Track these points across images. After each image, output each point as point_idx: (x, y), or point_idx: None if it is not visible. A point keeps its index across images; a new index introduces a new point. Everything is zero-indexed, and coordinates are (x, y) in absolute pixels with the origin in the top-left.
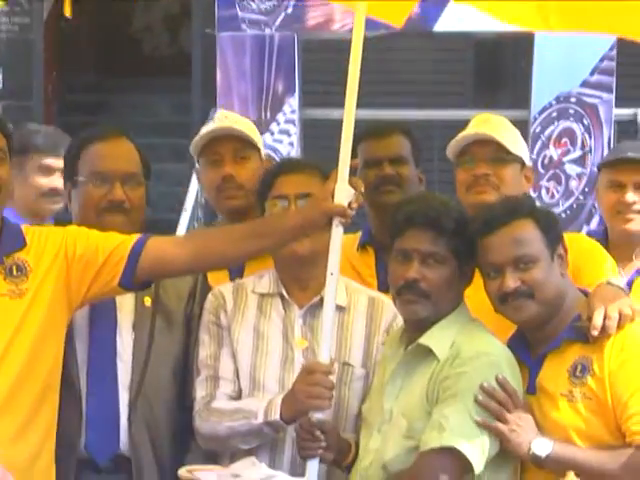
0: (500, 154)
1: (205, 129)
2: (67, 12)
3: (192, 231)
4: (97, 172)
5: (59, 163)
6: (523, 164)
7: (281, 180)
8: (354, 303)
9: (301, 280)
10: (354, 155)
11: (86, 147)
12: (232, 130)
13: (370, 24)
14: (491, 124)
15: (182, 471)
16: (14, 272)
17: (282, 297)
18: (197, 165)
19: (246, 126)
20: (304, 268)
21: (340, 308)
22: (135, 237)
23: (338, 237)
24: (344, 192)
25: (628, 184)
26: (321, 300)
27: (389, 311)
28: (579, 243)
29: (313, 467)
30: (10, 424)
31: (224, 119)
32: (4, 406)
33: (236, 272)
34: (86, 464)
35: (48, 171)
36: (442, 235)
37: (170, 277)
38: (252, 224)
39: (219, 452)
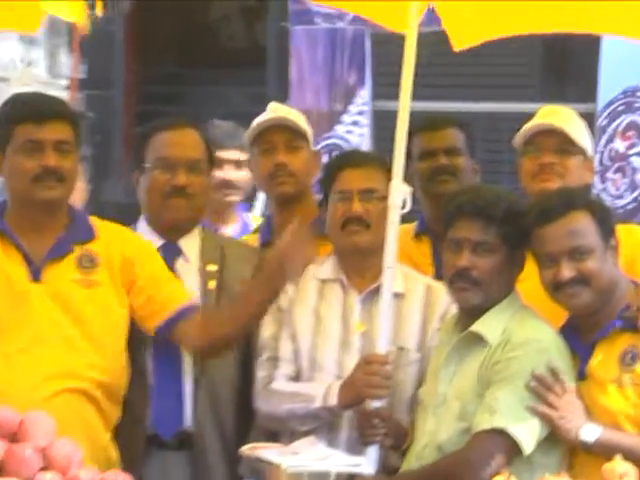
0: (566, 145)
1: (258, 119)
2: (35, 27)
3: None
4: (162, 158)
5: (231, 155)
6: (586, 156)
7: (345, 174)
8: (411, 290)
9: (360, 268)
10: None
11: (153, 135)
12: (284, 120)
13: (436, 19)
14: (558, 115)
15: (244, 449)
16: (84, 262)
17: (342, 283)
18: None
19: (297, 117)
20: (364, 258)
21: (397, 295)
22: (186, 302)
23: (394, 232)
24: (399, 189)
25: None
26: (379, 287)
27: (445, 298)
28: (635, 235)
29: (373, 452)
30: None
31: (277, 110)
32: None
33: None
34: (152, 440)
35: (219, 164)
36: (492, 224)
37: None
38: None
39: (280, 433)
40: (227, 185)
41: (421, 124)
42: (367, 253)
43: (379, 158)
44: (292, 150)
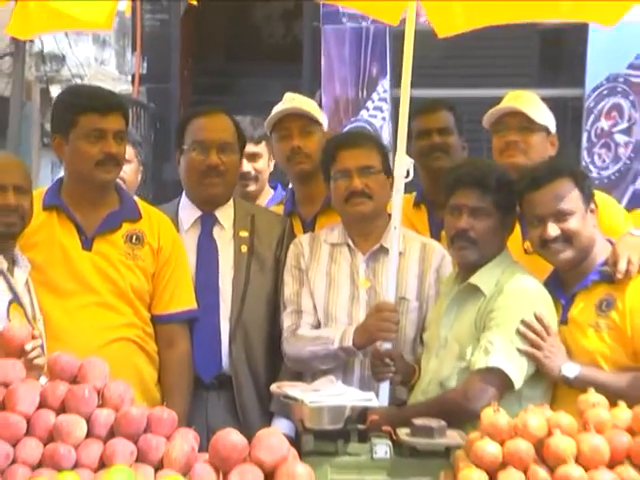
0: (527, 124)
1: (276, 109)
2: (108, 26)
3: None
4: (198, 141)
5: (246, 149)
6: (548, 132)
7: (343, 154)
8: (409, 248)
9: (364, 232)
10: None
11: (191, 121)
12: (298, 109)
13: None
14: (521, 99)
15: (273, 387)
16: (133, 240)
17: (349, 246)
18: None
19: (310, 106)
20: (367, 223)
21: (398, 253)
22: (186, 305)
23: (399, 198)
24: (403, 162)
25: None
26: (380, 247)
27: (438, 253)
28: (606, 203)
29: (384, 388)
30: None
31: (292, 100)
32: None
33: (309, 225)
34: (194, 382)
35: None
36: (486, 192)
37: None
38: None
39: (303, 372)
40: (244, 177)
41: (418, 108)
42: (369, 220)
43: (371, 137)
44: (306, 135)
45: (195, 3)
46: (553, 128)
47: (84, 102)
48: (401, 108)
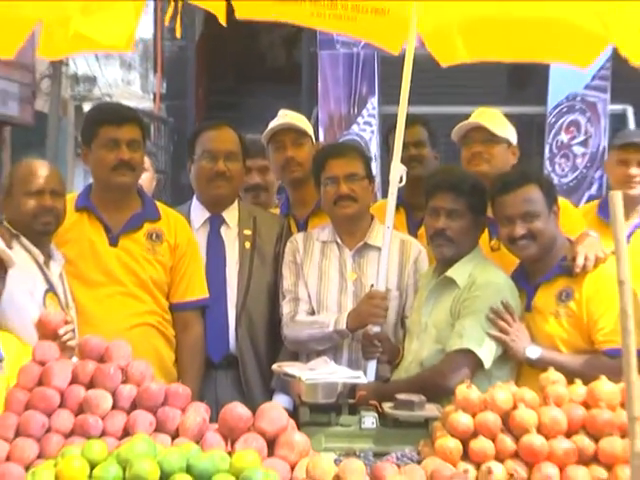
0: (489, 137)
1: (271, 124)
2: (177, 33)
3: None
4: (207, 151)
5: (256, 163)
6: (509, 144)
7: (331, 163)
8: (390, 244)
9: (350, 231)
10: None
11: (201, 134)
12: (290, 124)
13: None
14: (484, 115)
15: (274, 366)
16: (153, 237)
17: (337, 243)
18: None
19: (301, 121)
20: (352, 223)
21: (377, 249)
22: (199, 294)
23: (393, 200)
24: (398, 168)
25: (632, 161)
26: (365, 244)
27: (415, 249)
28: (567, 209)
29: (372, 367)
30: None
31: (285, 116)
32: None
33: (302, 225)
34: (206, 362)
35: (247, 171)
36: (461, 196)
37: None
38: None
39: (300, 353)
40: (255, 188)
41: (396, 124)
42: (355, 220)
43: (356, 148)
44: (298, 146)
45: (224, 23)
46: (514, 140)
47: (103, 116)
48: (398, 126)
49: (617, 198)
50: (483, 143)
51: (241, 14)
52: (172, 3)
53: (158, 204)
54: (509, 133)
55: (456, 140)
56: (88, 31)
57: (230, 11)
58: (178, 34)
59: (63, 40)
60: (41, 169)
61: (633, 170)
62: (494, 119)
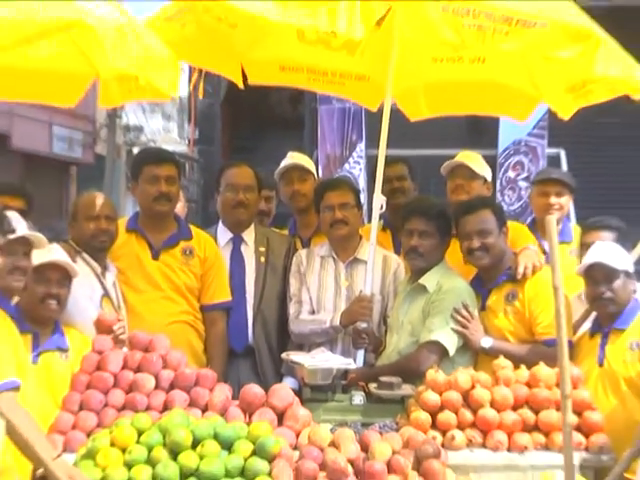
0: (470, 174)
1: (282, 163)
2: (200, 95)
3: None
4: (229, 184)
5: (263, 193)
6: (485, 180)
7: (328, 194)
8: (375, 258)
9: (343, 248)
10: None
11: (225, 171)
12: (297, 164)
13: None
14: (467, 157)
15: (283, 355)
16: (187, 252)
17: (333, 257)
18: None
19: (305, 161)
20: (345, 242)
21: (364, 262)
22: (223, 297)
23: (375, 223)
24: (379, 198)
25: (551, 193)
26: (354, 258)
27: (394, 262)
28: (516, 228)
29: (360, 355)
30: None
31: (292, 157)
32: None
33: (306, 243)
34: (229, 352)
35: None
36: (430, 220)
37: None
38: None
39: (303, 345)
40: (261, 213)
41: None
42: (346, 239)
43: (348, 182)
44: (302, 181)
45: (242, 86)
46: (489, 178)
47: (147, 157)
48: (379, 166)
49: (552, 222)
50: (465, 178)
51: (253, 79)
52: (197, 70)
53: (191, 226)
54: (486, 172)
55: (444, 173)
56: (140, 79)
57: (245, 77)
58: (201, 95)
59: (118, 91)
60: (98, 199)
61: (552, 200)
62: (475, 160)
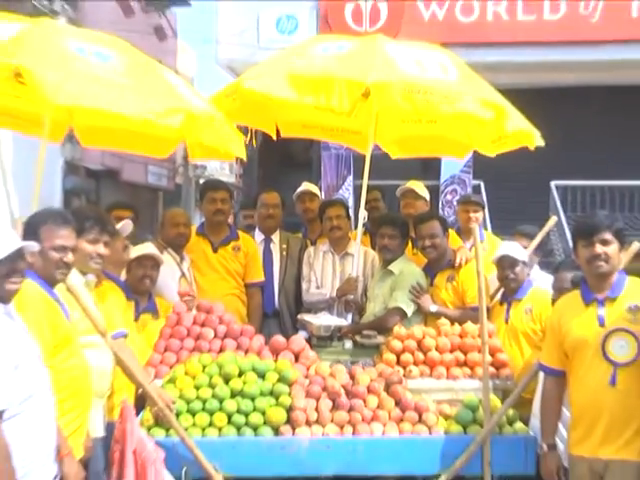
0: (416, 196)
1: (298, 190)
2: (243, 154)
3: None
4: (263, 204)
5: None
6: (426, 200)
7: (328, 209)
8: (359, 252)
9: (337, 245)
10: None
11: (260, 195)
12: (308, 190)
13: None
14: (414, 184)
15: (299, 316)
16: (235, 249)
17: (331, 252)
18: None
19: (313, 188)
20: (339, 241)
21: (353, 255)
22: (259, 278)
23: (360, 230)
24: (362, 213)
25: (470, 210)
26: (346, 252)
27: (371, 255)
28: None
29: (349, 316)
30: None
31: (305, 185)
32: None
33: (313, 243)
34: (263, 314)
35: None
36: (395, 228)
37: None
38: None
39: (311, 310)
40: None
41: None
42: (340, 240)
43: (341, 201)
44: (311, 201)
45: (275, 138)
46: (428, 199)
47: (208, 186)
48: (362, 191)
49: (475, 229)
50: (412, 198)
51: (285, 133)
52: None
53: (238, 231)
54: (426, 195)
55: (398, 196)
56: (218, 144)
57: (277, 132)
58: (244, 157)
59: (199, 150)
60: (178, 213)
61: (471, 215)
62: (419, 186)
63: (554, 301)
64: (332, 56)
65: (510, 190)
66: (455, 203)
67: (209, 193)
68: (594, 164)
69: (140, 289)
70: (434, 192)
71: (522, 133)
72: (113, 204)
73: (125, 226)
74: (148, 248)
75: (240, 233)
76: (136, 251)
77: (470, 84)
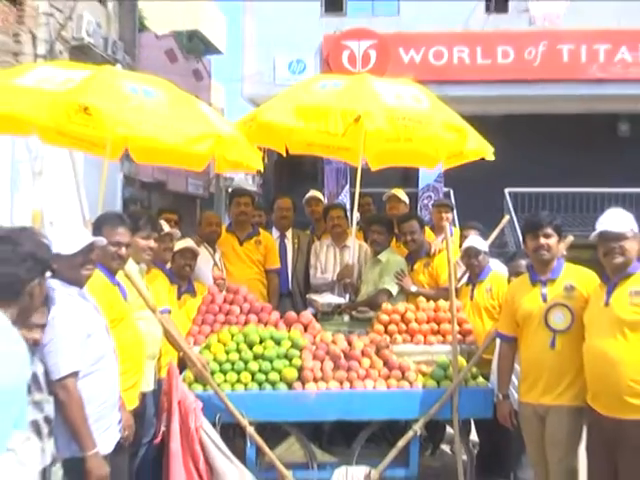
0: (398, 200)
1: (307, 196)
2: (261, 167)
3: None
4: (278, 208)
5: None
6: (406, 204)
7: (330, 211)
8: (354, 245)
9: (338, 240)
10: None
11: (276, 201)
12: (314, 196)
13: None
14: (397, 191)
15: (307, 296)
16: (257, 242)
17: (333, 245)
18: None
19: (319, 194)
20: (339, 236)
21: (349, 247)
22: (276, 265)
23: (355, 226)
24: (355, 214)
25: (442, 211)
26: (344, 245)
27: (364, 247)
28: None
29: (347, 296)
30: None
31: (311, 192)
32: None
33: (319, 238)
34: (279, 294)
35: None
36: (382, 226)
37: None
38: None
39: (317, 291)
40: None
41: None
42: (340, 235)
43: (341, 205)
44: (317, 205)
45: (284, 155)
46: (408, 202)
47: (235, 194)
48: (356, 197)
49: (446, 227)
50: (395, 202)
51: (292, 150)
52: (261, 150)
53: (259, 228)
54: (406, 199)
55: (384, 200)
56: (240, 158)
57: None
58: (262, 169)
59: (224, 164)
60: (212, 215)
61: (443, 215)
62: (401, 193)
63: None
64: (330, 91)
65: (473, 196)
66: (430, 206)
67: (235, 199)
68: (539, 175)
69: (182, 275)
70: (413, 198)
71: (478, 149)
72: (162, 209)
73: (175, 232)
74: (188, 242)
75: (260, 230)
76: (178, 245)
77: (438, 111)
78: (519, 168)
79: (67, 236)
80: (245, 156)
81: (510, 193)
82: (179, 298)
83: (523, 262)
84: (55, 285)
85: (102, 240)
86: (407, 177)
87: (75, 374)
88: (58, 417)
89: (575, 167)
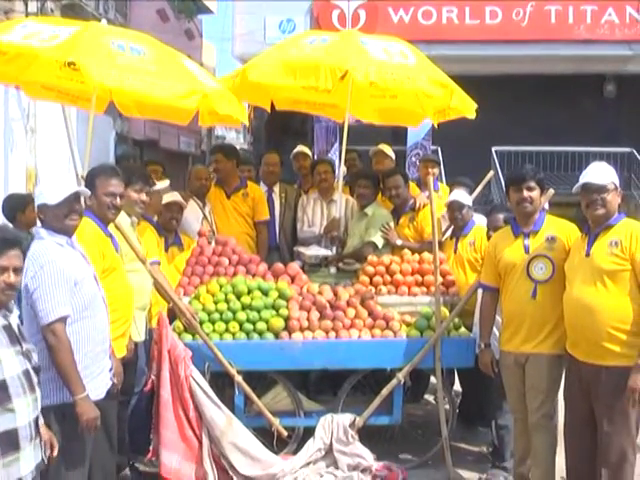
0: (384, 155)
1: (294, 150)
2: (246, 121)
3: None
4: (265, 163)
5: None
6: (392, 159)
7: (318, 166)
8: (341, 199)
9: (325, 194)
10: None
11: (264, 155)
12: (302, 151)
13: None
14: (383, 147)
15: (295, 248)
16: (245, 195)
17: (320, 199)
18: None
19: (306, 149)
20: (326, 190)
21: (336, 201)
22: (264, 217)
23: (341, 182)
24: (342, 169)
25: (428, 167)
26: (331, 199)
27: (351, 201)
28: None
29: (333, 248)
30: None
31: (300, 147)
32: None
33: (306, 192)
34: (267, 247)
35: None
36: (368, 180)
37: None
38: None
39: (304, 243)
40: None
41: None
42: (327, 190)
43: (329, 160)
44: (305, 160)
45: (269, 110)
46: (394, 157)
47: (210, 153)
48: (342, 153)
49: (429, 181)
50: (381, 157)
51: (278, 107)
52: (250, 107)
53: (247, 181)
54: (392, 155)
55: (370, 155)
56: (224, 113)
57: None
58: (247, 122)
59: (210, 119)
60: (201, 169)
61: (429, 170)
62: (387, 149)
63: (489, 237)
64: (317, 47)
65: (461, 154)
66: (418, 164)
67: (211, 157)
68: (526, 134)
69: (168, 228)
70: (401, 155)
71: (462, 106)
72: (148, 161)
73: (164, 186)
74: (174, 196)
75: (249, 182)
76: (166, 198)
77: (425, 68)
78: (506, 127)
79: (53, 187)
80: (230, 110)
81: (497, 152)
82: (166, 250)
83: (501, 216)
84: (43, 234)
85: (86, 191)
86: (396, 135)
87: (63, 319)
88: (47, 364)
89: (561, 127)
